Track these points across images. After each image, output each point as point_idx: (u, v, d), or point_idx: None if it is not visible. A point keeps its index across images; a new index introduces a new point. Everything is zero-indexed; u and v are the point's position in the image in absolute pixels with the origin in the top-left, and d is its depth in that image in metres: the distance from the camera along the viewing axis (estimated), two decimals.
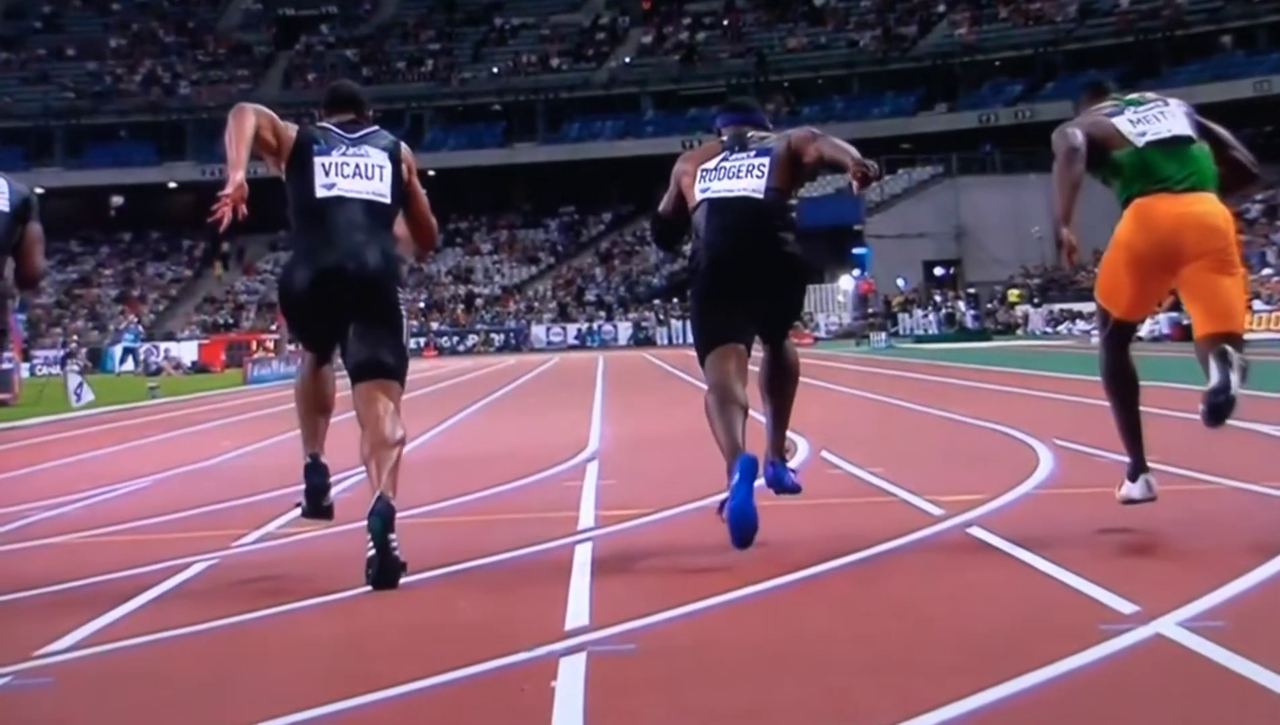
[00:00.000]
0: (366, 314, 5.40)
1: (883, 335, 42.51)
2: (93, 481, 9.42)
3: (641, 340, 54.21)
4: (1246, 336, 5.66)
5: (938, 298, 51.60)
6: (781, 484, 6.02)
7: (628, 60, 65.86)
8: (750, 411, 5.71)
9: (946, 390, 16.78)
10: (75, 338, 54.54)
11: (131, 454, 12.45)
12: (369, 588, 4.93)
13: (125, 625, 4.61)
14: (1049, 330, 45.00)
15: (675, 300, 53.35)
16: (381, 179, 5.50)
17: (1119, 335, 5.71)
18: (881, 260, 52.05)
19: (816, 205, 40.97)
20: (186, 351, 47.31)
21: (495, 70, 66.89)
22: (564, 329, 57.04)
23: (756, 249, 5.82)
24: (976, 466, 8.46)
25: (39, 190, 7.23)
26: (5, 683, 3.88)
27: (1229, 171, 5.65)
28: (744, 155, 5.94)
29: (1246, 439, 8.50)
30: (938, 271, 55.00)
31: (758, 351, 6.04)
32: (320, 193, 5.41)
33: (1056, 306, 46.75)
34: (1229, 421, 5.33)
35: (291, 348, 30.62)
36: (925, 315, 50.45)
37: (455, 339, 56.84)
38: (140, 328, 53.47)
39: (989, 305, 50.50)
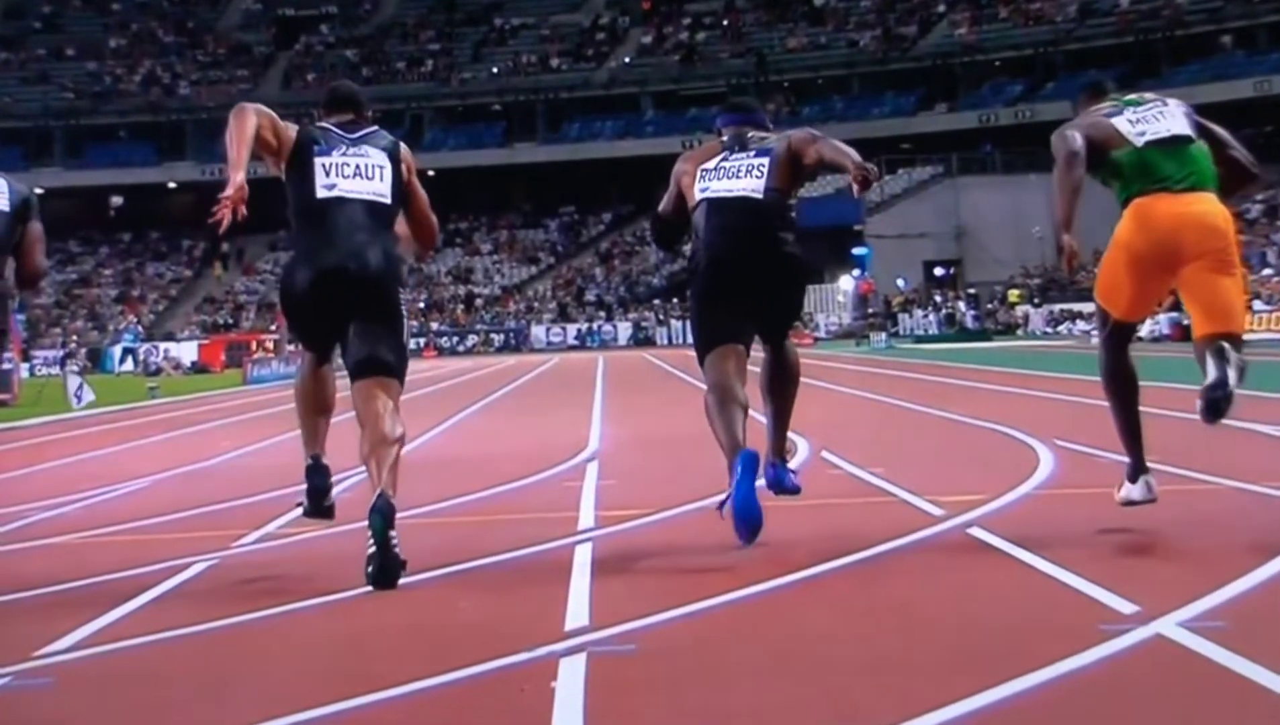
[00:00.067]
0: (367, 314, 5.40)
1: (883, 335, 42.50)
2: (93, 482, 9.42)
3: (641, 340, 54.22)
4: (1246, 336, 5.66)
5: (938, 298, 51.59)
6: (781, 485, 6.03)
7: (628, 60, 65.86)
8: (750, 411, 5.72)
9: (947, 390, 16.77)
10: (75, 338, 54.54)
11: (131, 454, 12.44)
12: (369, 588, 4.93)
13: (125, 625, 4.61)
14: (1049, 330, 45.00)
15: (675, 300, 53.37)
16: (382, 179, 5.50)
17: (1119, 335, 5.71)
18: (881, 260, 52.05)
19: (816, 205, 41.01)
20: (186, 352, 47.35)
21: (495, 70, 66.90)
22: (564, 329, 57.03)
23: (756, 249, 5.82)
24: (976, 467, 8.46)
25: (39, 190, 7.24)
26: (5, 683, 3.88)
27: (1228, 172, 5.65)
28: (744, 155, 5.94)
29: (1246, 439, 8.51)
30: (938, 272, 55.00)
31: (758, 352, 6.04)
32: (321, 193, 5.42)
33: (1057, 307, 46.74)
34: (1228, 420, 5.34)
35: (291, 348, 30.61)
36: (925, 315, 50.45)
37: (455, 339, 56.85)
38: (140, 328, 53.49)
39: (989, 305, 50.51)
